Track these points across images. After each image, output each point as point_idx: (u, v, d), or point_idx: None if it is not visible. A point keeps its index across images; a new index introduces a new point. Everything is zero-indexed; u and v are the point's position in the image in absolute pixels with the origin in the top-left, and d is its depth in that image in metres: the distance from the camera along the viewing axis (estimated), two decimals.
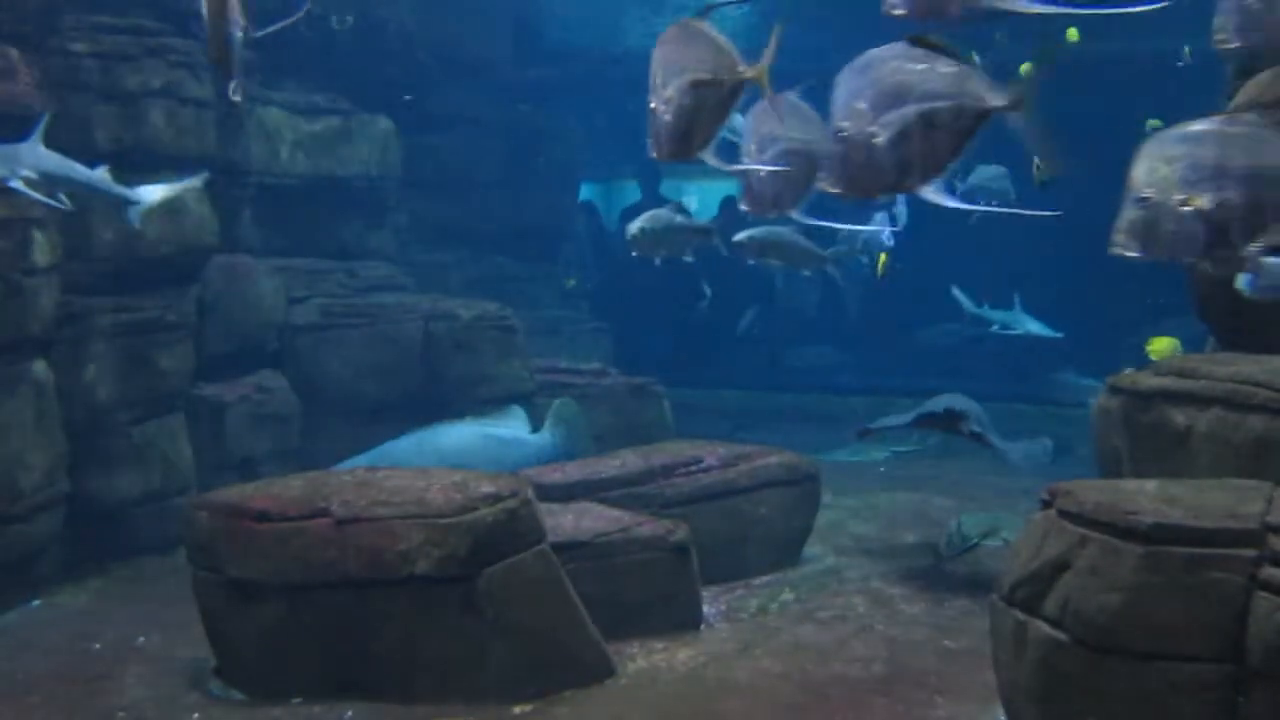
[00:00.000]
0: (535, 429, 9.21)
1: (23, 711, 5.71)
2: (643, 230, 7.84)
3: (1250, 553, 3.91)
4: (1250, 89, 6.15)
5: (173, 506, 8.14)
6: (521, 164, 13.85)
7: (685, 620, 6.61)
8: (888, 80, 3.73)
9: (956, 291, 12.33)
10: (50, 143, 7.48)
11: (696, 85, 4.01)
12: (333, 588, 5.57)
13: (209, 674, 5.95)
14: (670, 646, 6.33)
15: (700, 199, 18.99)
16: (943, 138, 3.68)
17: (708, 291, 12.30)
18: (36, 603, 7.35)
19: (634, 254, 8.42)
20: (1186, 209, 3.61)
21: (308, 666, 5.68)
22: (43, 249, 7.42)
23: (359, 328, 10.30)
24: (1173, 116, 3.95)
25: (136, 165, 8.31)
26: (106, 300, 8.09)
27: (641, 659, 6.15)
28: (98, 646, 6.58)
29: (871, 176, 3.78)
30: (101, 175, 6.96)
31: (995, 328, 12.15)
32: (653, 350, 14.81)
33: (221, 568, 5.77)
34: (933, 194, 3.75)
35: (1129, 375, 5.83)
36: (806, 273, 9.38)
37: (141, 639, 6.66)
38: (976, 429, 8.03)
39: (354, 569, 5.53)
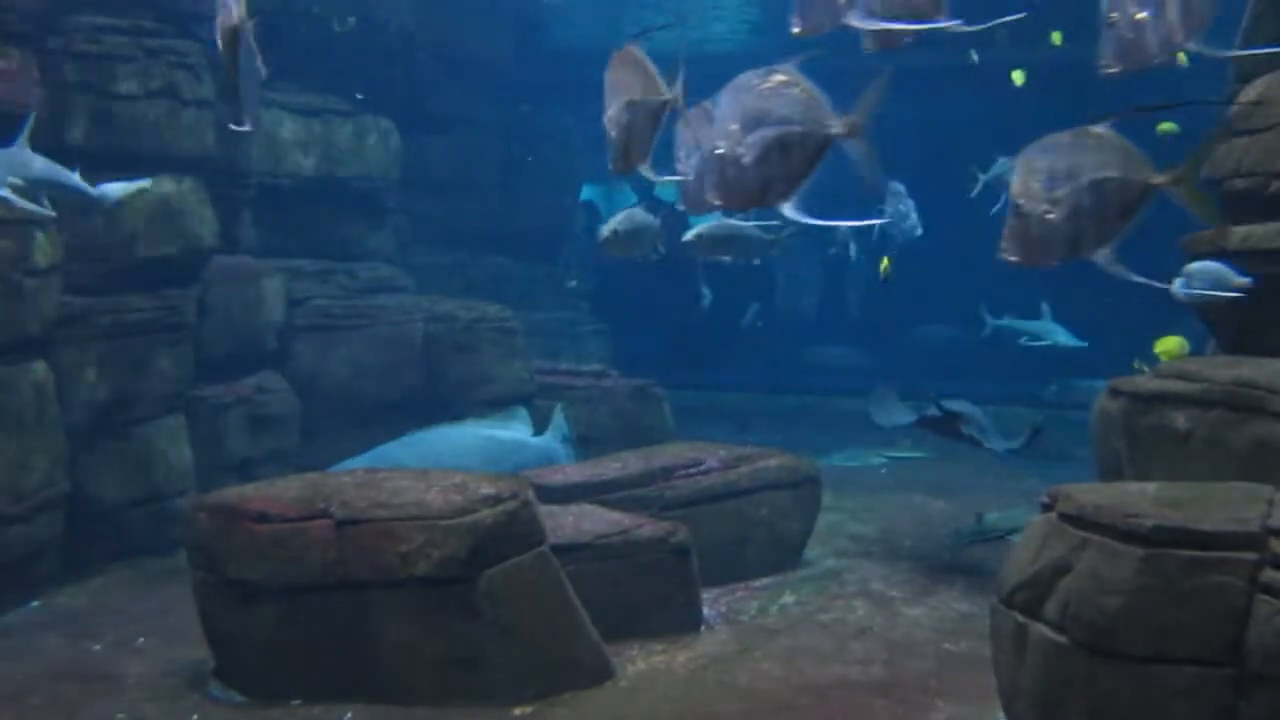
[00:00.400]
0: (538, 431, 9.19)
1: (22, 713, 5.70)
2: (615, 233, 7.74)
3: (1251, 556, 3.91)
4: (1250, 91, 6.17)
5: (172, 508, 8.15)
6: (522, 165, 13.86)
7: (685, 622, 6.61)
8: (752, 105, 4.13)
9: (984, 312, 12.14)
10: (50, 145, 7.50)
11: (629, 105, 4.40)
12: (332, 589, 5.57)
13: (208, 675, 5.95)
14: (670, 649, 6.33)
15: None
16: (796, 158, 4.09)
17: (707, 294, 12.28)
18: (36, 604, 7.35)
19: (609, 255, 8.34)
20: (1049, 216, 3.96)
21: (307, 668, 5.67)
22: (43, 250, 7.42)
23: (359, 329, 10.30)
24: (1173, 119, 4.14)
25: (137, 166, 8.33)
26: (106, 301, 8.08)
27: (641, 661, 6.15)
28: (97, 648, 6.58)
29: (742, 191, 4.17)
30: (78, 178, 6.93)
31: (1024, 340, 12.02)
32: (652, 351, 14.82)
33: (221, 569, 5.76)
34: (790, 211, 4.15)
35: (1129, 378, 5.84)
36: (756, 261, 9.27)
37: (141, 640, 6.66)
38: (974, 431, 8.07)
39: (353, 570, 5.53)
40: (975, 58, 10.01)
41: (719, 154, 4.12)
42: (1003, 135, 7.70)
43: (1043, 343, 12.07)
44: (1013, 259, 4.11)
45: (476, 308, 10.83)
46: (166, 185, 8.52)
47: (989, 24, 4.55)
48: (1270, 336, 5.64)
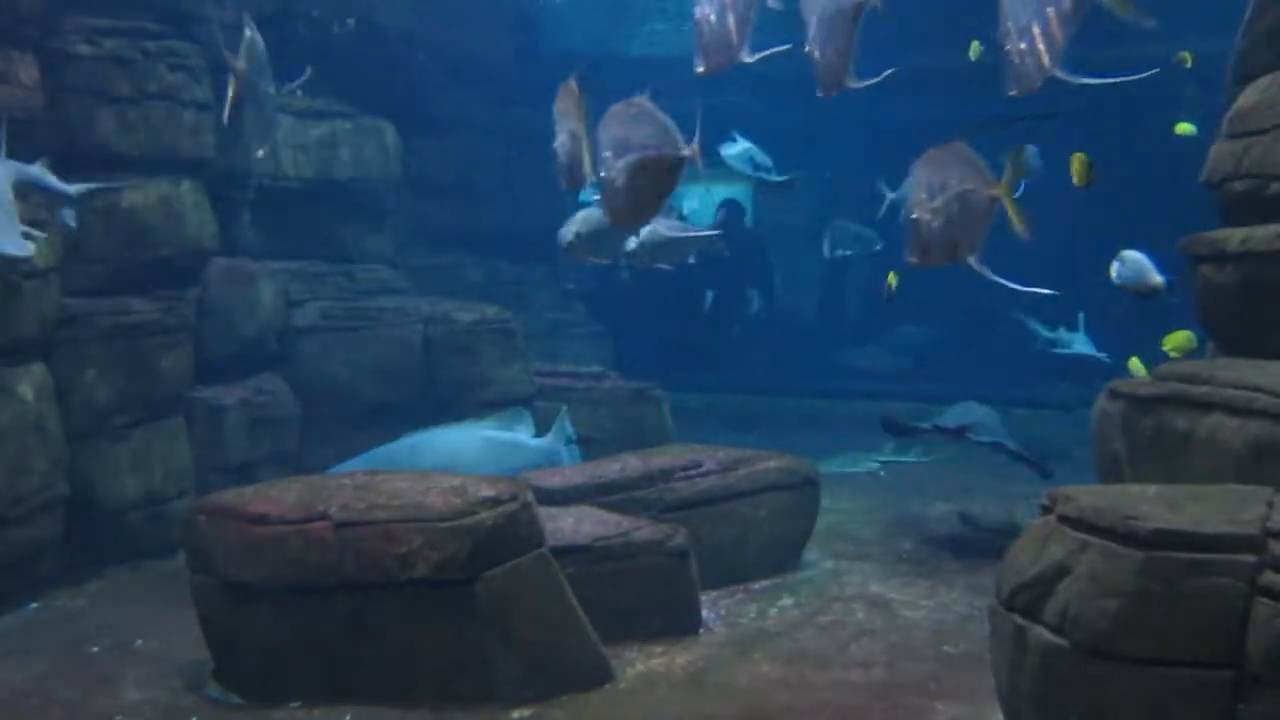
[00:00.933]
0: (541, 433, 9.17)
1: (21, 715, 5.70)
2: (579, 235, 7.58)
3: (1251, 558, 3.91)
4: (1250, 93, 6.17)
5: (171, 510, 8.14)
6: (521, 167, 13.84)
7: (684, 625, 6.61)
8: (618, 132, 4.73)
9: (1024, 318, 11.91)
10: (51, 147, 7.51)
11: (572, 134, 5.00)
12: (331, 591, 5.57)
13: (207, 677, 5.95)
14: (669, 651, 6.32)
15: (701, 202, 18.99)
16: (655, 179, 4.65)
17: (709, 296, 12.28)
18: (34, 605, 7.34)
19: (573, 259, 8.27)
20: (932, 223, 4.54)
21: (306, 670, 5.67)
22: (42, 251, 7.41)
23: (358, 331, 10.28)
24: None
25: (137, 169, 8.34)
26: (106, 302, 8.08)
27: (640, 663, 6.15)
28: (96, 650, 6.57)
29: (623, 210, 4.77)
30: (49, 175, 6.90)
31: (1040, 345, 11.87)
32: (652, 353, 14.81)
33: (220, 571, 5.76)
34: (661, 225, 4.98)
35: (1129, 380, 5.84)
36: (692, 259, 9.22)
37: (140, 642, 6.65)
38: (986, 439, 8.29)
39: (352, 572, 5.53)
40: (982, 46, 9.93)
41: (603, 178, 4.70)
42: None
43: (1065, 351, 11.79)
44: (914, 260, 4.68)
45: (476, 309, 10.82)
46: (165, 187, 8.53)
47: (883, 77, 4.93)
48: (1269, 339, 5.64)
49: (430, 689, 5.59)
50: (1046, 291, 5.20)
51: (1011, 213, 4.71)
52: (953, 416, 9.09)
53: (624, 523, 6.65)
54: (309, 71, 7.87)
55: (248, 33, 7.18)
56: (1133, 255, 6.61)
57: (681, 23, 14.71)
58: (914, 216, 4.55)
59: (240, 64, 6.60)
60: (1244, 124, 6.03)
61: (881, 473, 11.31)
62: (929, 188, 4.53)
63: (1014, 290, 5.03)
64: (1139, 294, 6.58)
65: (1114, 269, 6.60)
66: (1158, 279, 6.47)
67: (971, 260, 4.63)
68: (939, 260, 4.62)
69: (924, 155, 4.65)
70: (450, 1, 12.63)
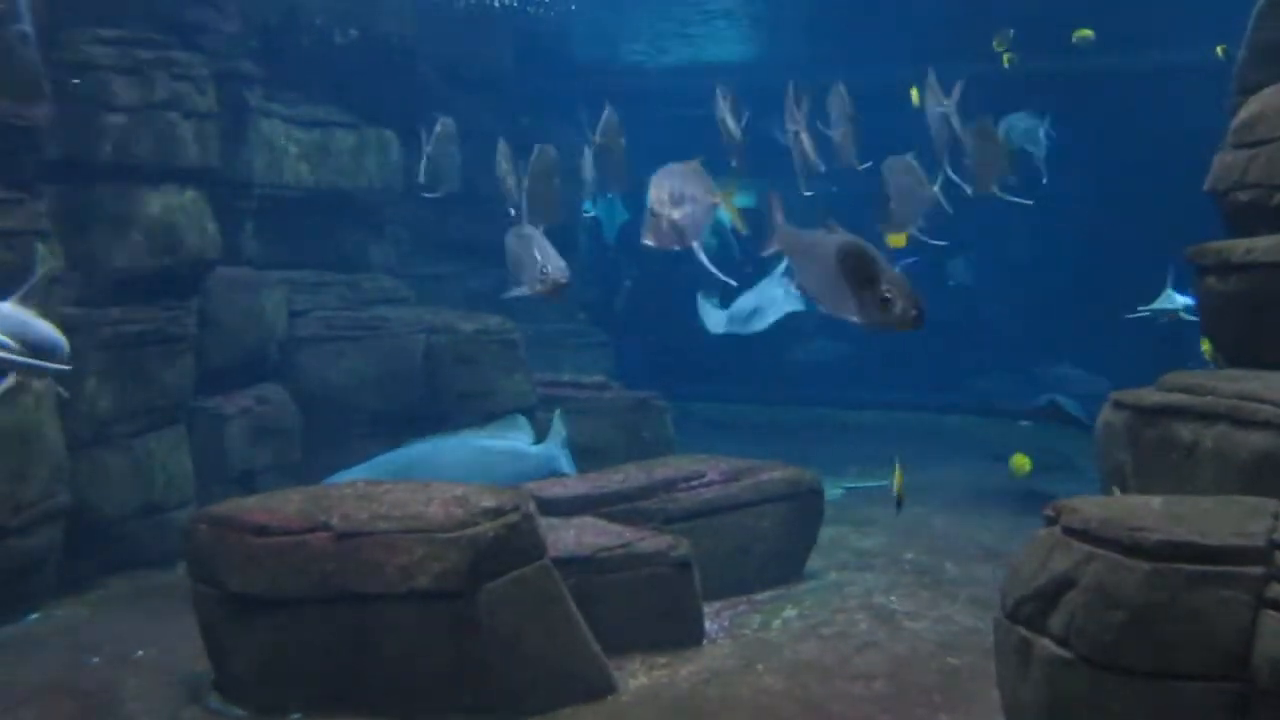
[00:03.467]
0: (539, 439, 9.16)
1: None
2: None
3: (1257, 570, 3.89)
4: (1253, 104, 6.18)
5: (172, 519, 8.12)
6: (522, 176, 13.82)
7: (687, 636, 6.58)
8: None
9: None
10: (54, 158, 7.51)
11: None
12: (332, 602, 5.54)
13: (208, 688, 5.92)
14: (672, 663, 6.30)
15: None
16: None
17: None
18: (35, 615, 7.32)
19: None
20: (673, 216, 5.78)
21: (307, 681, 5.65)
22: (44, 261, 7.41)
23: (360, 340, 10.28)
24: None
25: (139, 178, 8.33)
26: (108, 312, 8.07)
27: (643, 675, 6.12)
28: (96, 660, 6.55)
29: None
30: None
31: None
32: (654, 362, 14.80)
33: (221, 581, 5.74)
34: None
35: (1133, 391, 5.82)
36: None
37: (140, 652, 6.63)
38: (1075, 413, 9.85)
39: (354, 583, 5.50)
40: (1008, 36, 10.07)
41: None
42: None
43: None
44: (649, 243, 5.82)
45: (478, 319, 10.81)
46: (169, 196, 8.53)
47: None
48: (1274, 349, 5.63)
49: (431, 701, 5.56)
50: (726, 278, 6.48)
51: (733, 216, 6.41)
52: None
53: (626, 533, 6.63)
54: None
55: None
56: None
57: (685, 26, 14.76)
58: (656, 212, 5.77)
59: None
60: (1248, 134, 6.03)
61: (841, 498, 10.96)
62: (669, 193, 5.78)
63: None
64: None
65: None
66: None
67: (694, 246, 5.87)
68: (668, 245, 5.83)
69: (664, 169, 5.86)
70: (452, 11, 12.65)
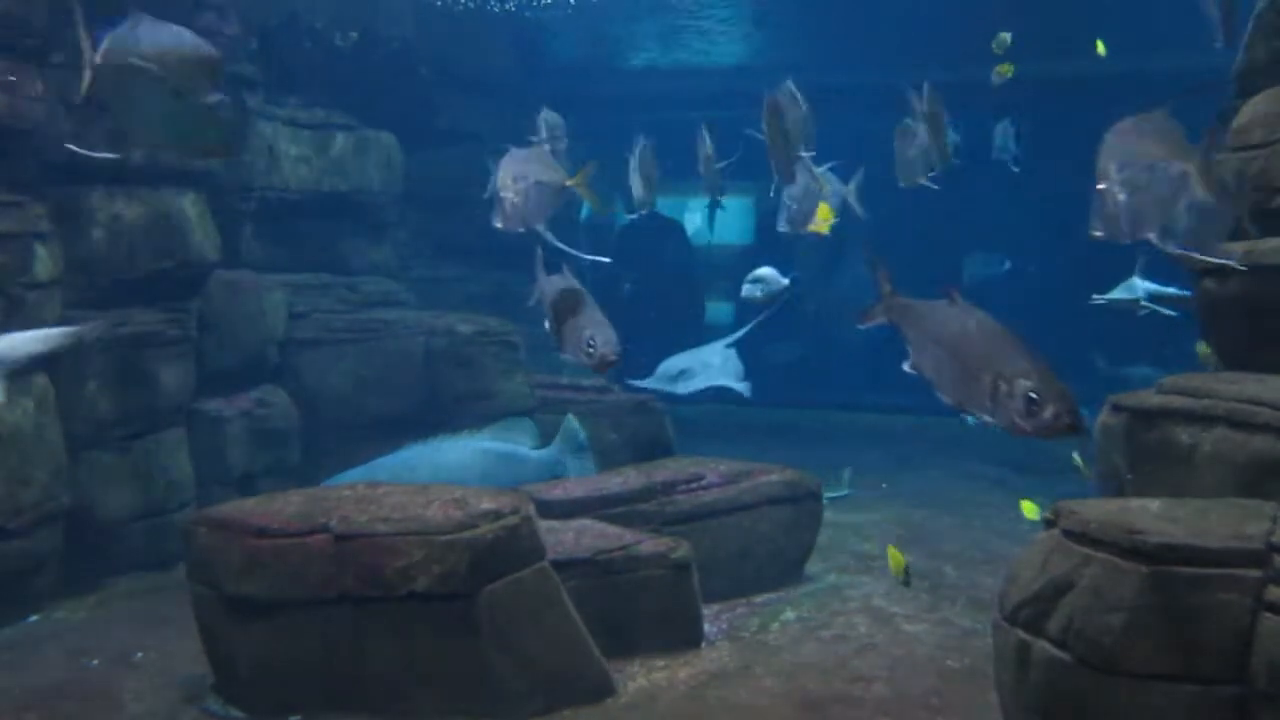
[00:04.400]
0: (545, 442, 9.13)
1: None
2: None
3: (1256, 573, 3.89)
4: (1248, 110, 6.18)
5: (172, 522, 8.12)
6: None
7: (686, 638, 6.59)
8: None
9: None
10: (54, 157, 7.50)
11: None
12: (331, 604, 5.54)
13: (207, 690, 5.93)
14: (671, 665, 6.30)
15: (702, 215, 19.03)
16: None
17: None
18: (34, 618, 7.32)
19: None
20: (515, 199, 5.95)
21: (306, 683, 5.65)
22: (45, 263, 7.43)
23: (360, 343, 10.29)
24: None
25: (139, 179, 8.34)
26: (108, 314, 8.07)
27: (642, 677, 6.12)
28: (95, 662, 6.55)
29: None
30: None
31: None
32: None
33: (220, 584, 5.74)
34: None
35: (1133, 393, 5.82)
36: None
37: (139, 655, 6.63)
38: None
39: (353, 585, 5.51)
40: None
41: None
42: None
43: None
44: (497, 225, 6.07)
45: (477, 321, 10.81)
46: (168, 199, 8.53)
47: None
48: (1272, 352, 5.63)
49: (430, 703, 5.56)
50: (602, 259, 6.96)
51: (587, 196, 6.54)
52: None
53: (625, 536, 6.64)
54: None
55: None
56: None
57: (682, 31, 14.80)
58: (500, 194, 5.97)
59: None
60: (1246, 138, 6.04)
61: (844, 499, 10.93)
62: (513, 176, 5.90)
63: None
64: None
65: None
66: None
67: (539, 228, 6.00)
68: (514, 226, 6.02)
69: (509, 154, 6.06)
70: (452, 14, 12.66)
